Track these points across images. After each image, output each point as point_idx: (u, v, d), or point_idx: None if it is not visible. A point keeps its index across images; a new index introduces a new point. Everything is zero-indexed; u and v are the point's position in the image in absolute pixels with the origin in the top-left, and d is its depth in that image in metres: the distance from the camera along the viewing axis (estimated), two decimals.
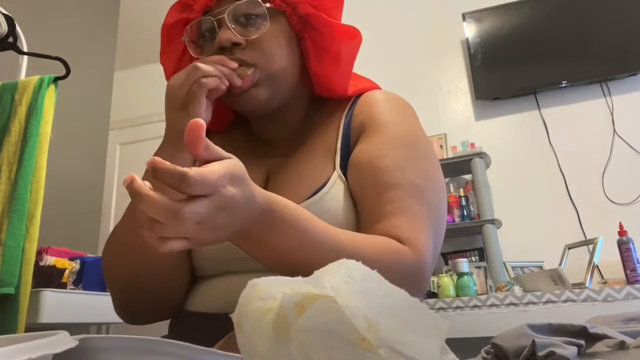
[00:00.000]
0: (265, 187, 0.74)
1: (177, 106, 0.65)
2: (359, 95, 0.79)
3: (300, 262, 0.52)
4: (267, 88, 0.70)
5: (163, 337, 0.69)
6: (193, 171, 0.39)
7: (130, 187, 0.39)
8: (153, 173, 0.39)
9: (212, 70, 0.64)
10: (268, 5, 0.69)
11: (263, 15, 0.69)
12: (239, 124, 0.85)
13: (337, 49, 0.73)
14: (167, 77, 0.80)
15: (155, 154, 0.66)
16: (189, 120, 0.41)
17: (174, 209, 0.39)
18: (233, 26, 0.68)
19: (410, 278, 0.59)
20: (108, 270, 0.71)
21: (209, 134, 0.86)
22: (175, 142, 0.66)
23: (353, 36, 0.73)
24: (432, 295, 2.14)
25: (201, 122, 0.41)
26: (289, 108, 0.77)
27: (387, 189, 0.65)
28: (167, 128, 0.67)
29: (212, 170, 0.41)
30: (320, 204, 0.67)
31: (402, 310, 0.27)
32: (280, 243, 0.51)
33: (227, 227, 0.44)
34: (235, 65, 0.67)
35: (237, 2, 0.68)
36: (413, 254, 0.58)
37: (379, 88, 0.83)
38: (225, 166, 0.42)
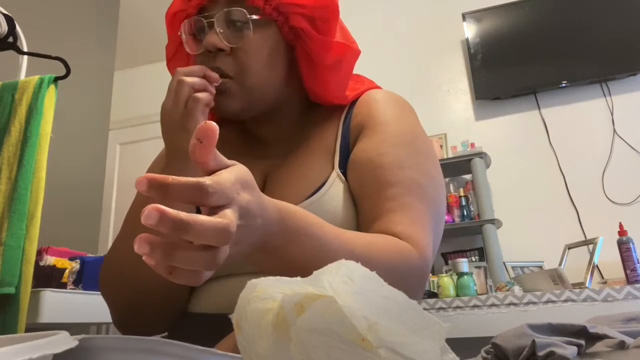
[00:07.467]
0: (263, 189, 0.73)
1: (176, 127, 0.64)
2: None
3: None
4: (240, 100, 0.70)
5: (163, 337, 0.69)
6: (209, 179, 0.36)
7: (166, 219, 0.32)
8: (162, 192, 0.34)
9: (199, 82, 0.63)
10: (254, 17, 0.68)
11: (249, 25, 0.68)
12: (233, 122, 0.84)
13: (329, 62, 0.71)
14: (167, 63, 0.80)
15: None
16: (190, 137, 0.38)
17: (222, 225, 0.34)
18: (221, 31, 0.68)
19: (417, 278, 0.60)
20: (107, 297, 0.71)
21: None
22: (180, 160, 0.64)
23: (344, 52, 0.72)
24: (432, 295, 2.14)
25: (216, 126, 0.37)
26: (281, 110, 0.77)
27: (387, 187, 0.65)
28: (168, 149, 0.65)
29: (224, 177, 0.38)
30: (319, 204, 0.67)
31: (402, 311, 0.27)
32: (296, 253, 0.48)
33: (246, 239, 0.40)
34: (216, 79, 0.66)
35: (227, 9, 0.68)
36: (418, 254, 0.59)
37: (379, 88, 0.83)
38: (234, 173, 0.39)
